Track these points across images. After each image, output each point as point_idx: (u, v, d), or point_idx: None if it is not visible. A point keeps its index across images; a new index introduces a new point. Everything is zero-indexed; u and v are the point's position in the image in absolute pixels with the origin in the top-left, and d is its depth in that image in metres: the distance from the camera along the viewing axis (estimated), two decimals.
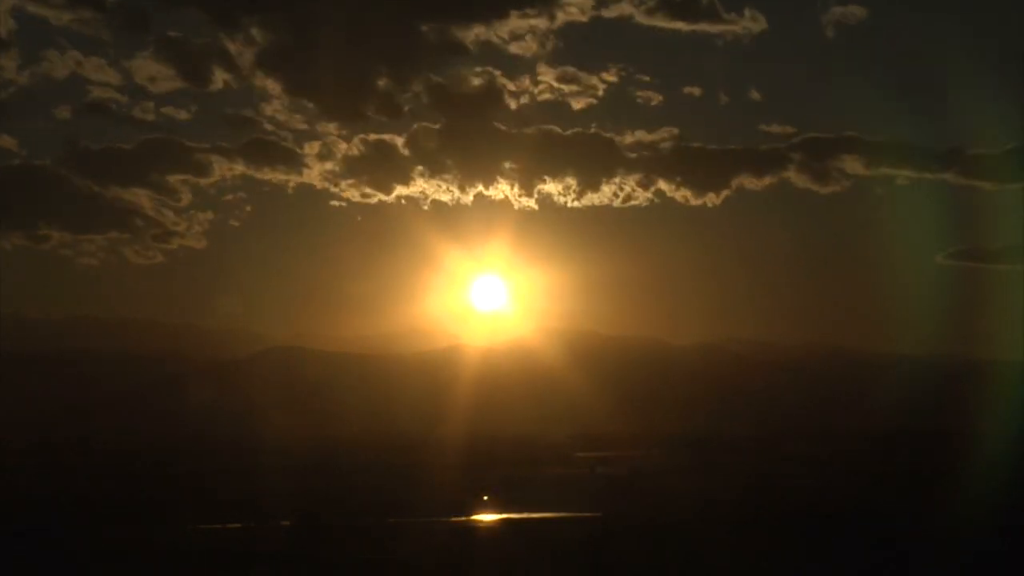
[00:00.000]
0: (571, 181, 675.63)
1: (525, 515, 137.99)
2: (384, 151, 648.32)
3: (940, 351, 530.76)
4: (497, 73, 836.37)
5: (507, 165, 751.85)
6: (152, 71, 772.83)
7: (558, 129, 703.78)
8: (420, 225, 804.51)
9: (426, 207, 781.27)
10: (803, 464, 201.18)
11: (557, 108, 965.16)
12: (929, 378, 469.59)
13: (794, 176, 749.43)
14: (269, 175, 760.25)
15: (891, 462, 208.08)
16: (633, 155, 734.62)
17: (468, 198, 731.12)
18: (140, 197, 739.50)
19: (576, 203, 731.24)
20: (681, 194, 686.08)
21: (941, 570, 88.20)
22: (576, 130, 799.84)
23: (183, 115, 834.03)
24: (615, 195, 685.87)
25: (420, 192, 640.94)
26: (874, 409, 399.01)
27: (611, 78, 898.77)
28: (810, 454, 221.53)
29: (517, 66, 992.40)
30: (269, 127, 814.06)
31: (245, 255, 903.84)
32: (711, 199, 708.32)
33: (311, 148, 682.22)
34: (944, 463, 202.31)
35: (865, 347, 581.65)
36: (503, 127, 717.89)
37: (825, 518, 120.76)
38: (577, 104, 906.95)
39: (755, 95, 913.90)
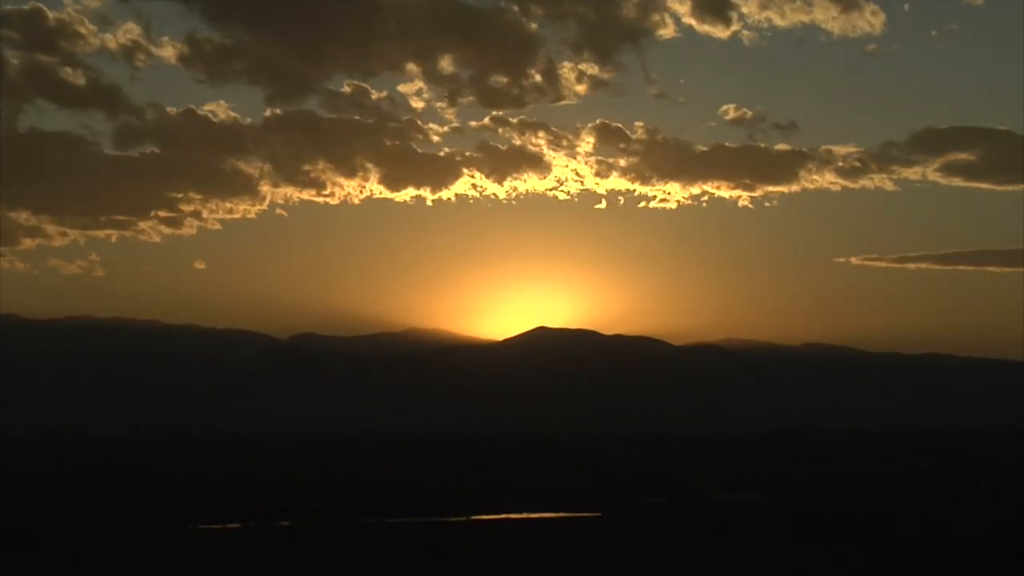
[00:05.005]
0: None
1: (525, 515, 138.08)
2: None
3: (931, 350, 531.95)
4: None
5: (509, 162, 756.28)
6: None
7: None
8: (418, 221, 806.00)
9: (428, 203, 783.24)
10: (803, 464, 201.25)
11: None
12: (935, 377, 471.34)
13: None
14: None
15: (891, 461, 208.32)
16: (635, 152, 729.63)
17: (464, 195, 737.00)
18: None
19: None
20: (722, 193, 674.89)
21: (940, 568, 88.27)
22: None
23: None
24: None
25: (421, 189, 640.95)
26: (875, 409, 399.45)
27: None
28: (810, 454, 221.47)
29: None
30: None
31: (255, 252, 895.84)
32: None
33: None
34: (945, 462, 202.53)
35: (864, 346, 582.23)
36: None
37: (825, 517, 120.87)
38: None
39: None
